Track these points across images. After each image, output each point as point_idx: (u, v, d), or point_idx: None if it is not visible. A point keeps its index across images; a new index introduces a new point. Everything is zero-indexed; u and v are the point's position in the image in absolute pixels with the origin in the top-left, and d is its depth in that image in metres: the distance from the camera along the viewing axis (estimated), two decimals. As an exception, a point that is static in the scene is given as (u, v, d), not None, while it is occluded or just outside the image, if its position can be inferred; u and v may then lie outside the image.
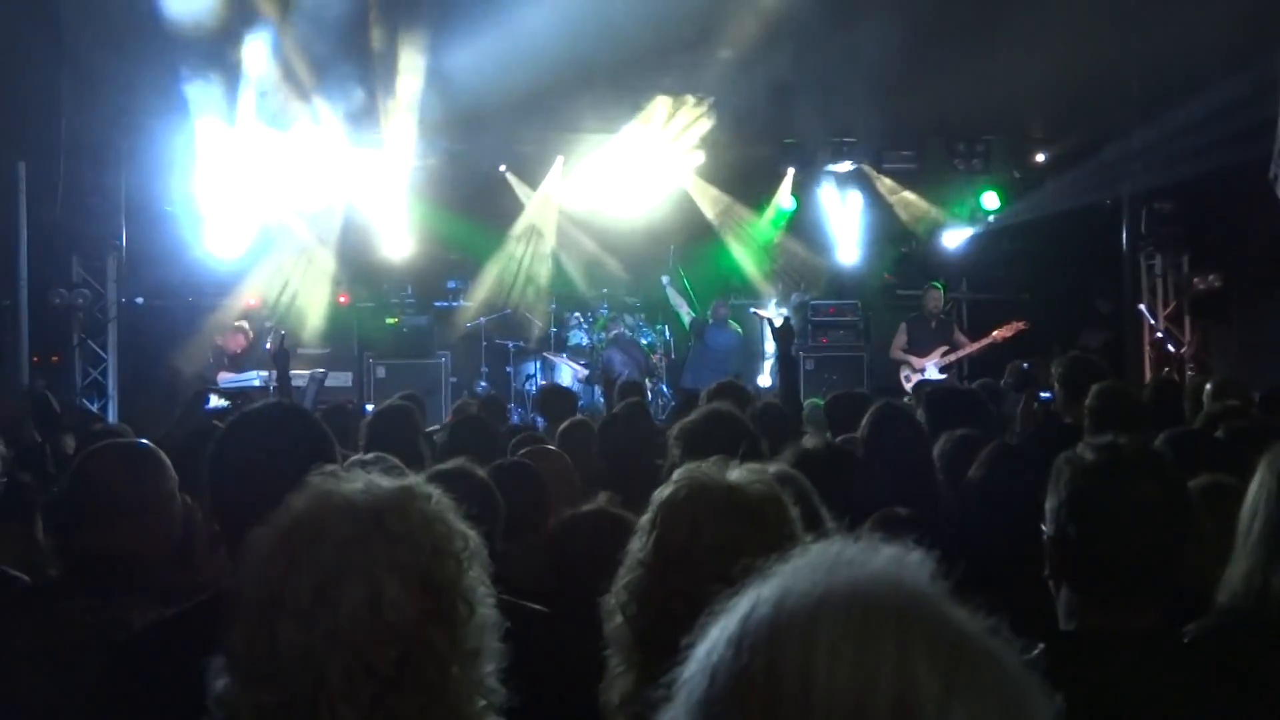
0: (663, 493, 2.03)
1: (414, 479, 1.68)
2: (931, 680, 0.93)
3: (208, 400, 10.13)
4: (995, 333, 12.19)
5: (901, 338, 12.62)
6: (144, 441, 3.34)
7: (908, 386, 11.67)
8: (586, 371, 12.91)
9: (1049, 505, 2.31)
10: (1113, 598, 2.23)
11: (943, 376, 11.96)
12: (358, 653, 1.48)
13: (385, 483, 1.62)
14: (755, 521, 1.94)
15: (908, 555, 1.02)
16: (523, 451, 4.88)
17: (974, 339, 12.42)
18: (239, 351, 11.96)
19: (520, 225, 14.13)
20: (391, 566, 1.52)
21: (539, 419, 9.04)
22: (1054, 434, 5.68)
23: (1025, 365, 11.40)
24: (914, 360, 12.34)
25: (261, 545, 1.54)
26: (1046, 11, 10.99)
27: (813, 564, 1.01)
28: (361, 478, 1.62)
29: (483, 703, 1.56)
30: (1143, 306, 12.71)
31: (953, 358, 12.37)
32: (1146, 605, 2.23)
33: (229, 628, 1.52)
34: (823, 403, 7.64)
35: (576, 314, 13.48)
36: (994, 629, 0.99)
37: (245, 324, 12.18)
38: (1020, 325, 12.12)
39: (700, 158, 13.77)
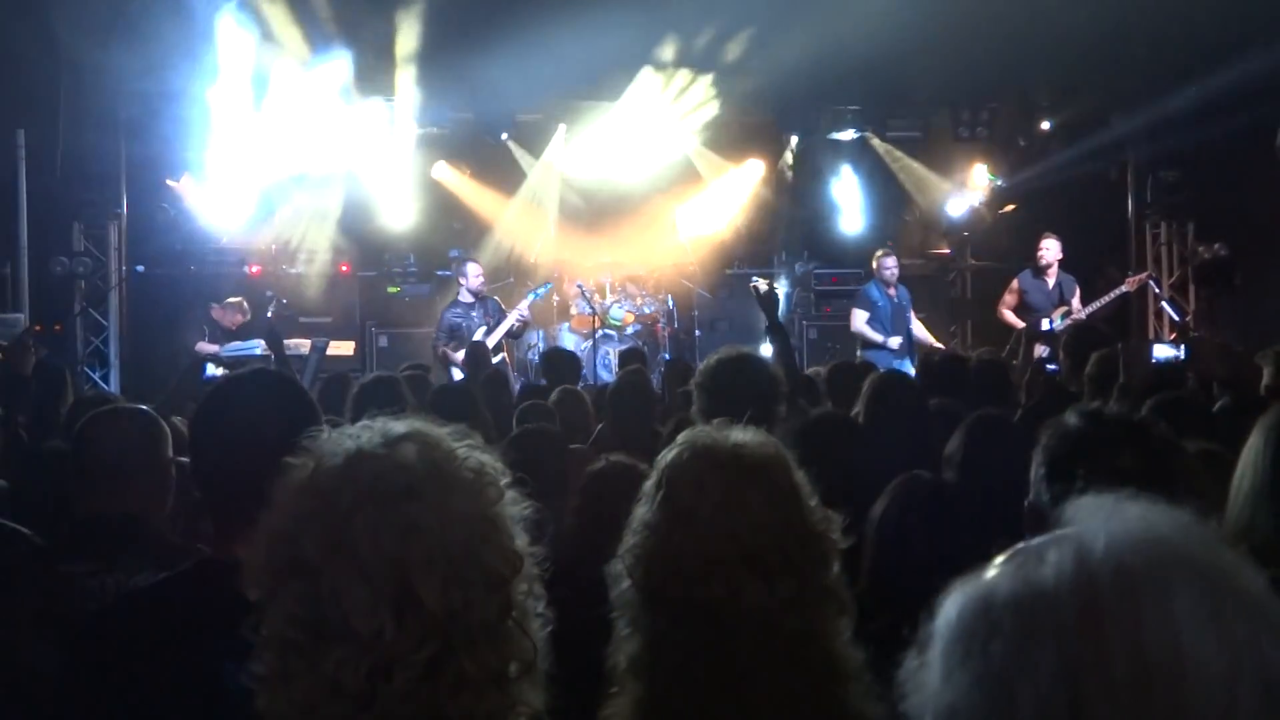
0: (666, 455, 2.02)
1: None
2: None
3: (205, 370, 10.11)
4: (1124, 284, 11.35)
5: (1010, 298, 11.34)
6: (143, 407, 3.35)
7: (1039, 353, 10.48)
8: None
9: (1032, 472, 2.29)
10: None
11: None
12: (502, 605, 1.46)
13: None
14: (760, 480, 1.94)
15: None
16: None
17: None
18: (234, 329, 11.84)
19: (523, 194, 14.07)
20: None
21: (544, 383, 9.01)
22: (1057, 404, 5.64)
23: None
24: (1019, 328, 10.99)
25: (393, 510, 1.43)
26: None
27: (1138, 520, 0.98)
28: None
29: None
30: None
31: (1071, 320, 10.74)
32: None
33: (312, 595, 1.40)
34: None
35: (580, 283, 13.41)
36: None
37: (242, 300, 11.81)
38: (1143, 276, 11.76)
39: (702, 125, 13.70)
